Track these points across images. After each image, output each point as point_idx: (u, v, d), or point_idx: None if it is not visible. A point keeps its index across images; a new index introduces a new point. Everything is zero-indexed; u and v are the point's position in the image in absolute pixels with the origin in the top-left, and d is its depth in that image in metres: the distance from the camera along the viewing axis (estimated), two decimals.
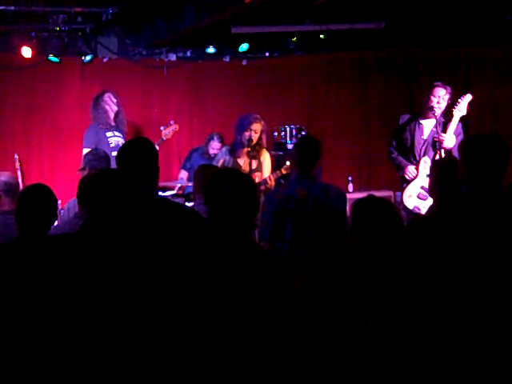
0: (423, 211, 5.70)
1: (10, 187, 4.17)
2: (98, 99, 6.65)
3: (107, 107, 6.59)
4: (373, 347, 2.31)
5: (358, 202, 3.11)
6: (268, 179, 5.70)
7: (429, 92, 5.85)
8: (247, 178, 3.01)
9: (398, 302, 2.58)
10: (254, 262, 2.78)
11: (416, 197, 5.77)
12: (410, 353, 2.43)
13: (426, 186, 5.70)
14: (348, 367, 2.32)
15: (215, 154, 7.10)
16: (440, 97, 5.80)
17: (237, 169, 4.58)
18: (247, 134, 5.83)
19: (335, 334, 2.31)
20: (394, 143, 6.08)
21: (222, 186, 2.83)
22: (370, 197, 3.10)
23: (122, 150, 3.35)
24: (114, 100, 6.64)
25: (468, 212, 3.15)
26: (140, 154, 3.24)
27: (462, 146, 3.36)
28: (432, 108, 5.78)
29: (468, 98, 5.81)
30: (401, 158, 5.97)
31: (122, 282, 2.92)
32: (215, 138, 7.28)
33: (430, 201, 5.66)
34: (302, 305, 2.50)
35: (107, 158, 5.03)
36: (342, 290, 2.37)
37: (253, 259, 2.79)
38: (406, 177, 5.84)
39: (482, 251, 3.01)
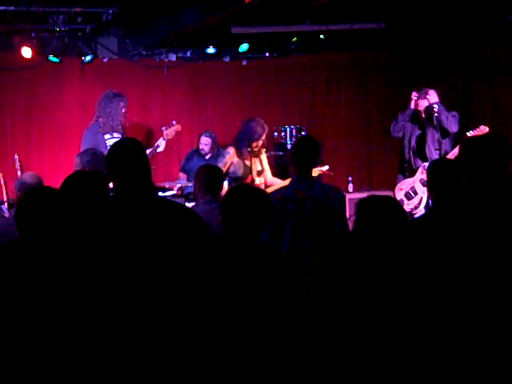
0: (405, 208, 6.06)
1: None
2: (114, 98, 6.39)
3: (120, 112, 6.39)
4: (377, 346, 2.30)
5: (360, 201, 3.09)
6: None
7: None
8: (263, 193, 3.18)
9: (401, 301, 2.57)
10: (261, 263, 2.80)
11: (405, 192, 6.18)
12: (411, 352, 2.43)
13: (416, 188, 6.19)
14: (353, 367, 2.31)
15: (204, 150, 7.20)
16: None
17: (251, 185, 4.96)
18: (258, 143, 6.20)
19: (343, 334, 2.30)
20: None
21: (239, 204, 3.00)
22: (373, 196, 3.09)
23: (109, 153, 3.32)
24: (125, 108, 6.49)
25: (465, 213, 3.15)
26: (127, 154, 3.21)
27: (463, 146, 3.36)
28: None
29: (483, 130, 5.98)
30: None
31: (122, 281, 2.92)
32: (203, 134, 7.40)
33: (413, 201, 6.16)
34: (309, 304, 2.49)
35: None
36: (350, 287, 2.34)
37: (259, 259, 2.82)
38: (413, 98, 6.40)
39: (479, 252, 3.01)
